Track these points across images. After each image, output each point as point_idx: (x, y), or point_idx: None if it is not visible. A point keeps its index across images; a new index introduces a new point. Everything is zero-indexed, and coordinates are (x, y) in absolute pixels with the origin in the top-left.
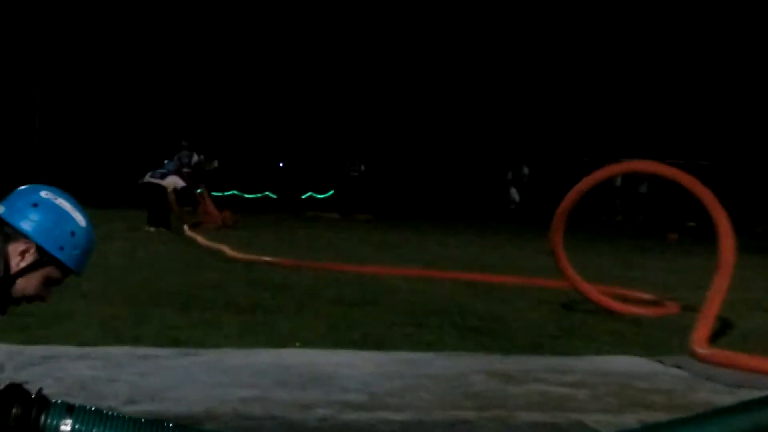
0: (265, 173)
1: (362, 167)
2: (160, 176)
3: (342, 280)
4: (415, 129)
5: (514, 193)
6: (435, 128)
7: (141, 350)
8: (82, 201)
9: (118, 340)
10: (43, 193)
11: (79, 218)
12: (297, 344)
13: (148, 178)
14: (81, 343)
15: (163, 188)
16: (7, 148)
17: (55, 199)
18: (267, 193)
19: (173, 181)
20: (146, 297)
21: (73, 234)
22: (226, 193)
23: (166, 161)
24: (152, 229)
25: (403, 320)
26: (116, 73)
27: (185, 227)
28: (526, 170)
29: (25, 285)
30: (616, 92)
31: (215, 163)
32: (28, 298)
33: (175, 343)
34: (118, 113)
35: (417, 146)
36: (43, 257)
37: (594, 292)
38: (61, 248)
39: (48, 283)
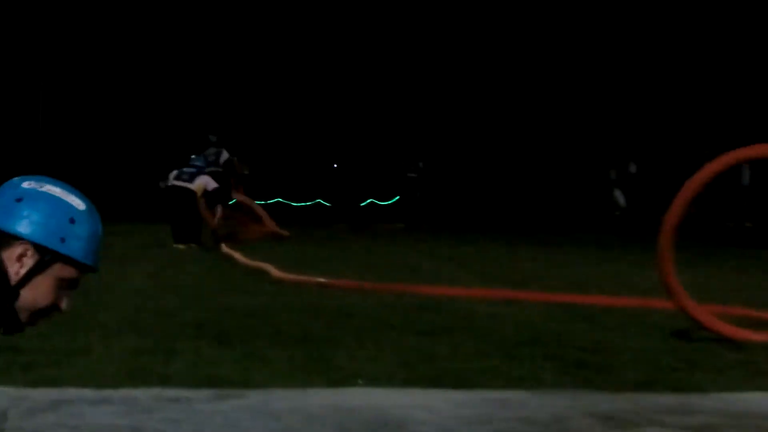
0: (316, 177)
1: (420, 164)
2: (188, 177)
3: (413, 305)
4: (493, 119)
5: (619, 197)
6: (519, 119)
7: (172, 392)
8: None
9: (144, 380)
10: (26, 184)
11: (76, 201)
12: (359, 382)
13: (172, 181)
14: (99, 385)
15: (191, 193)
16: (9, 150)
17: (41, 186)
18: (319, 200)
19: (204, 183)
20: (177, 328)
21: (72, 221)
22: (269, 202)
23: (193, 156)
24: (181, 246)
25: (487, 351)
26: (131, 64)
27: (221, 243)
28: (633, 168)
29: (34, 295)
30: (741, 72)
31: (245, 170)
32: (44, 311)
33: (213, 382)
34: (132, 111)
35: (495, 140)
36: (45, 256)
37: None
38: (63, 240)
39: (61, 286)
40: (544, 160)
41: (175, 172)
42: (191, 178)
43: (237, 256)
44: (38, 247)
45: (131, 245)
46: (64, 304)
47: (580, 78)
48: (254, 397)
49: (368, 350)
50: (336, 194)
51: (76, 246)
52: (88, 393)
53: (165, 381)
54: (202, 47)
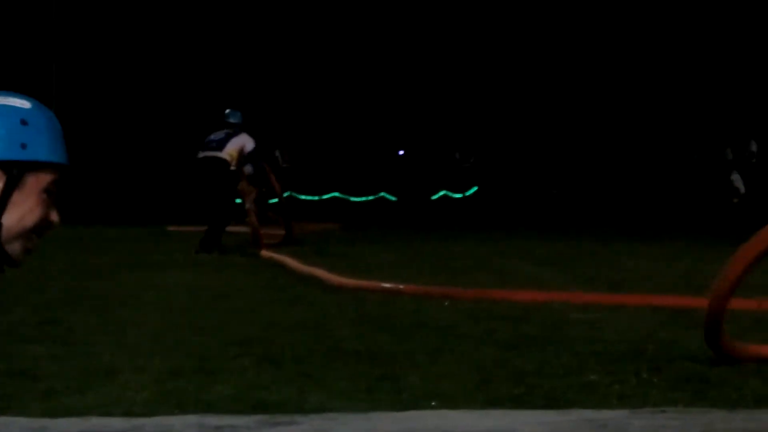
0: (379, 168)
1: (471, 159)
2: (216, 145)
3: (493, 313)
4: (569, 99)
5: (738, 181)
6: (604, 95)
7: (214, 419)
8: (116, 216)
9: (181, 406)
10: None
11: (20, 102)
12: (433, 404)
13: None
14: (128, 413)
15: (223, 163)
16: None
17: None
18: (382, 194)
19: (240, 144)
20: (218, 345)
21: (24, 122)
22: (325, 197)
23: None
24: (205, 254)
25: (582, 365)
26: (149, 50)
27: (263, 247)
28: (754, 147)
29: (19, 217)
30: None
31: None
32: (37, 231)
33: (262, 407)
34: (152, 100)
35: (574, 122)
36: (12, 170)
37: None
38: (23, 146)
39: (44, 198)
40: (640, 141)
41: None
42: (220, 145)
43: (286, 260)
44: (1, 165)
45: (161, 251)
46: (54, 217)
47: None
48: (310, 424)
49: (443, 366)
50: (402, 186)
51: (38, 148)
52: (116, 423)
53: (206, 407)
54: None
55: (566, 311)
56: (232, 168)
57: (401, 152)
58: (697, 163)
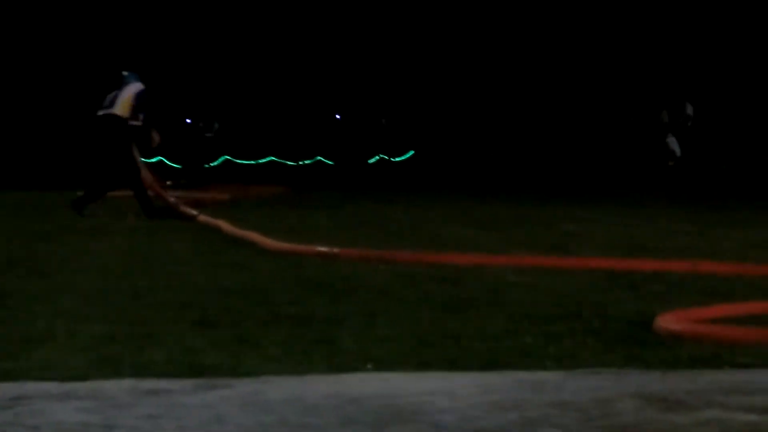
0: (315, 131)
1: (383, 120)
2: (109, 103)
3: (430, 276)
4: (510, 60)
5: (673, 143)
6: (541, 55)
7: (149, 383)
8: (53, 181)
9: (117, 370)
10: None
11: None
12: (368, 367)
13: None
14: (64, 377)
15: (119, 122)
16: None
17: None
18: (319, 158)
19: (131, 92)
20: (153, 310)
21: None
22: (260, 161)
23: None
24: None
25: (519, 327)
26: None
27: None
28: (689, 110)
29: None
30: None
31: (215, 126)
32: None
33: (197, 371)
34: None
35: (513, 83)
36: None
37: None
38: None
39: None
40: (579, 103)
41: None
42: (112, 102)
43: (221, 224)
44: None
45: (96, 216)
46: None
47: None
48: (244, 387)
49: (379, 330)
50: (339, 150)
51: None
52: (50, 387)
53: (140, 371)
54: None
55: (503, 274)
56: (129, 122)
57: (338, 116)
58: (634, 125)
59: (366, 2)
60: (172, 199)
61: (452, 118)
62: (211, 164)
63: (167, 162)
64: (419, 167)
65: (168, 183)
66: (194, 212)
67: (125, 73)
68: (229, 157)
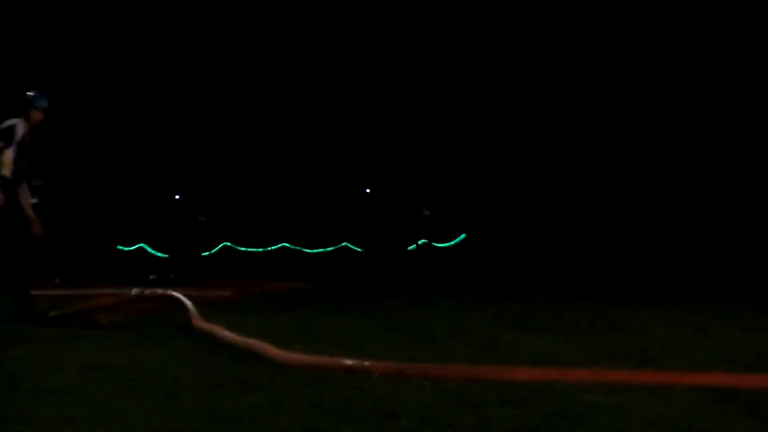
0: (339, 210)
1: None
2: None
3: (487, 396)
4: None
5: None
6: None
7: None
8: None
9: None
10: None
11: None
12: None
13: None
14: None
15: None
16: None
17: None
18: (344, 244)
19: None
20: None
21: None
22: (272, 248)
23: None
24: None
25: None
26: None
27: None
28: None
29: None
30: None
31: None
32: None
33: None
34: None
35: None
36: None
37: None
38: None
39: None
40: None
41: None
42: None
43: (216, 329)
44: None
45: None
46: None
47: None
48: None
49: None
50: (370, 235)
51: None
52: None
53: None
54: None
55: (579, 394)
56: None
57: (368, 191)
58: (742, 201)
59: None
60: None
61: (512, 191)
62: (207, 253)
63: (149, 250)
64: (471, 255)
65: (151, 277)
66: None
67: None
68: (229, 244)
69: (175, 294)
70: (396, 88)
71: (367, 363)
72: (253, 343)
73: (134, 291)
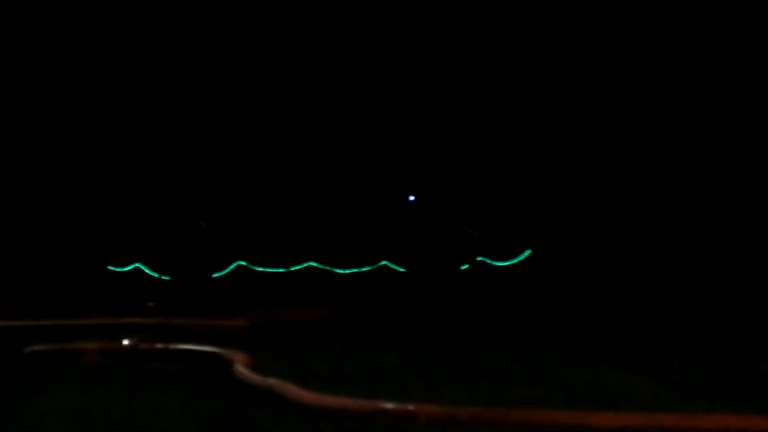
0: (377, 222)
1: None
2: None
3: None
4: None
5: None
6: None
7: None
8: None
9: None
10: None
11: None
12: None
13: None
14: None
15: None
16: None
17: None
18: (383, 263)
19: None
20: None
21: None
22: (296, 267)
23: None
24: None
25: None
26: None
27: None
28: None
29: None
30: None
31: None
32: None
33: None
34: None
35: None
36: None
37: None
38: None
39: None
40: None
41: None
42: None
43: (240, 368)
44: None
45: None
46: None
47: None
48: None
49: None
50: (415, 251)
51: None
52: None
53: None
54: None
55: None
56: None
57: (412, 198)
58: None
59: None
60: None
61: (591, 197)
62: (218, 274)
63: (147, 271)
64: (537, 275)
65: (150, 304)
66: None
67: None
68: (244, 263)
69: (187, 347)
70: (448, 76)
71: (411, 407)
72: (273, 382)
73: (126, 342)
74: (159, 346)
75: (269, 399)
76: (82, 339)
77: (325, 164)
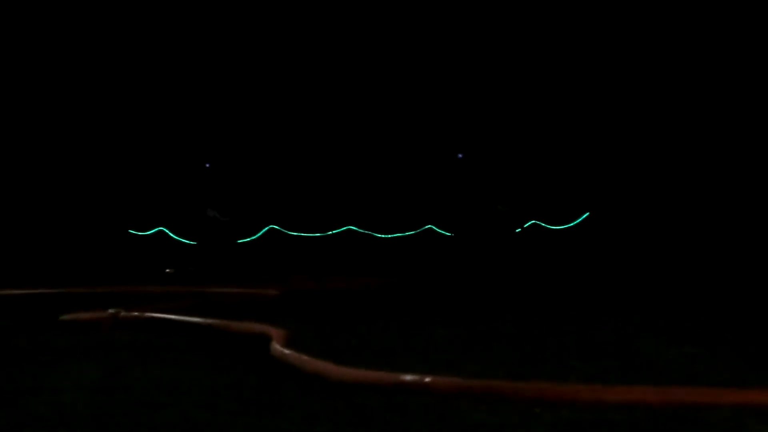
0: (422, 183)
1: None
2: None
3: (620, 424)
4: None
5: None
6: None
7: None
8: None
9: None
10: None
11: None
12: None
13: None
14: None
15: None
16: None
17: None
18: (429, 226)
19: None
20: None
21: None
22: (331, 233)
23: None
24: None
25: None
26: None
27: None
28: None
29: None
30: None
31: (209, 213)
32: None
33: None
34: None
35: None
36: None
37: None
38: None
39: None
40: None
41: None
42: None
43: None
44: None
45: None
46: None
47: None
48: None
49: None
50: (464, 214)
51: None
52: None
53: None
54: None
55: (744, 422)
56: None
57: (460, 156)
58: None
59: None
60: None
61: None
62: (250, 238)
63: (171, 235)
64: (596, 240)
65: (168, 270)
66: None
67: None
68: (277, 227)
69: (156, 315)
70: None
71: (427, 379)
72: (307, 360)
73: (110, 311)
74: (135, 314)
75: (306, 376)
76: (104, 308)
77: (367, 119)
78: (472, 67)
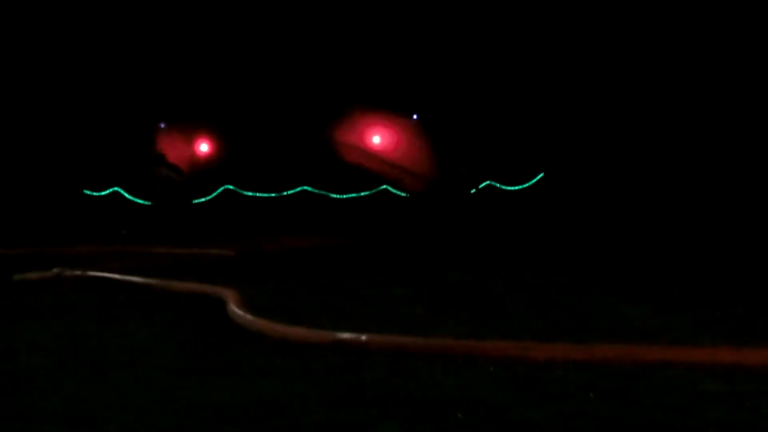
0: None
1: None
2: None
3: (574, 382)
4: None
5: None
6: None
7: None
8: None
9: None
10: None
11: None
12: None
13: None
14: None
15: None
16: None
17: None
18: (384, 186)
19: None
20: None
21: None
22: (287, 193)
23: None
24: None
25: None
26: None
27: None
28: None
29: None
30: None
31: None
32: None
33: None
34: None
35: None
36: None
37: None
38: None
39: None
40: None
41: None
42: None
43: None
44: None
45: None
46: None
47: None
48: None
49: None
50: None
51: None
52: None
53: None
54: None
55: (691, 379)
56: None
57: (415, 116)
58: None
59: None
60: None
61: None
62: (204, 199)
63: (126, 195)
64: (550, 200)
65: (123, 232)
66: None
67: None
68: (232, 187)
69: (101, 275)
70: None
71: (364, 337)
72: (258, 321)
73: (55, 270)
74: (78, 273)
75: (257, 336)
76: (62, 267)
77: (323, 78)
78: (426, 27)
